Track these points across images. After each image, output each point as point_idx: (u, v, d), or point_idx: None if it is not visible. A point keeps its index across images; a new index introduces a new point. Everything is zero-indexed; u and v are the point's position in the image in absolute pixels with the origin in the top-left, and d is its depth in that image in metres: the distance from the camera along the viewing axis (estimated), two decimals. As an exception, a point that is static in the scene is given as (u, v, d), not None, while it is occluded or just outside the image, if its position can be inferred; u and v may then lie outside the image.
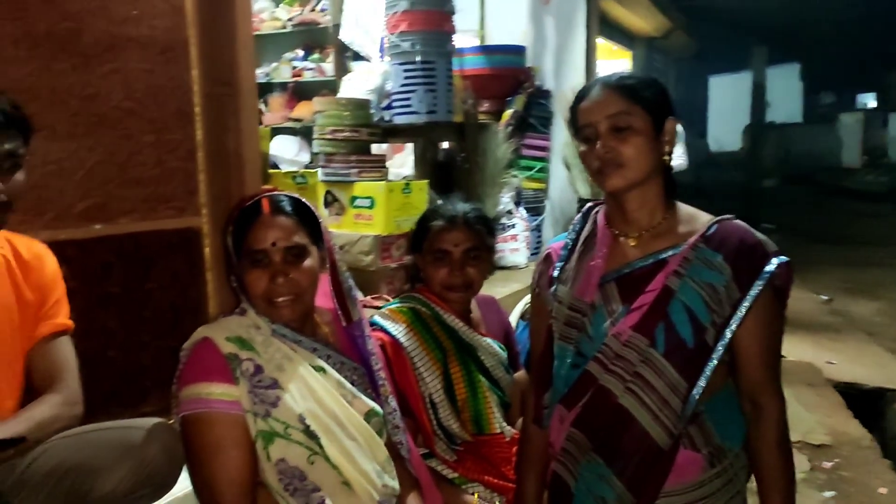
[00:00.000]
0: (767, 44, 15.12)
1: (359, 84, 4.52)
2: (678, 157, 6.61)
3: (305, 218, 1.61)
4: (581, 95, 1.58)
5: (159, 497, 1.68)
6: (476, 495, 1.92)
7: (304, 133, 5.48)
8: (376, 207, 3.66)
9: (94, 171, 2.15)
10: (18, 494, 1.52)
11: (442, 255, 2.02)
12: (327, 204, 3.85)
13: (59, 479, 1.54)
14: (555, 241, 1.72)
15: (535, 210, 5.01)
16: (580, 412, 1.56)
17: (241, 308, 1.61)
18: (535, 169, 5.03)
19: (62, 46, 2.08)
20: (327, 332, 1.72)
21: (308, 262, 1.58)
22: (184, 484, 1.56)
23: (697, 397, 1.46)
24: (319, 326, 1.71)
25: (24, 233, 1.78)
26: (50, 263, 1.77)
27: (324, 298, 1.73)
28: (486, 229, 2.07)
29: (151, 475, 1.59)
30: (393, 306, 2.07)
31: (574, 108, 1.59)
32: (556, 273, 1.65)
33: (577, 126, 1.58)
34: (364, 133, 3.90)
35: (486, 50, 5.06)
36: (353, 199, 3.74)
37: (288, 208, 1.59)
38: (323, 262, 1.65)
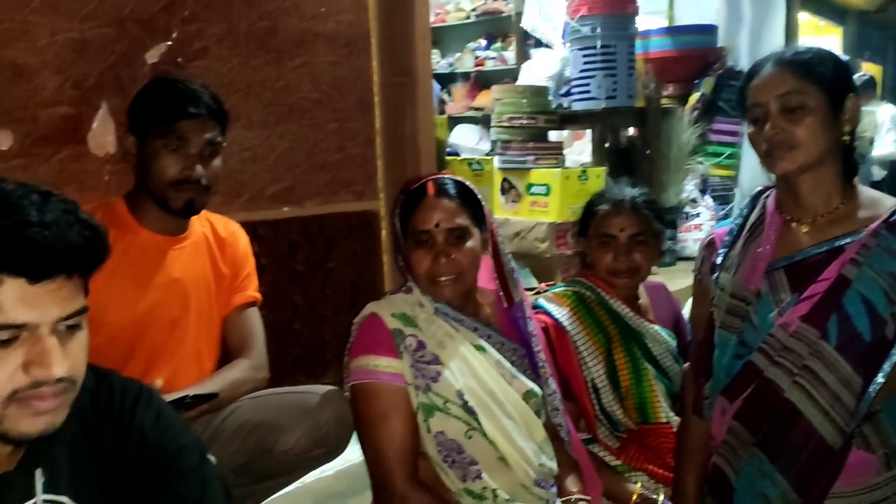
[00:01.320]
0: None
1: (538, 71, 4.54)
2: (890, 144, 6.05)
3: (468, 200, 1.65)
4: (751, 73, 1.51)
5: (332, 458, 1.82)
6: (639, 484, 1.89)
7: (485, 122, 5.57)
8: (552, 194, 3.66)
9: (284, 157, 2.35)
10: (213, 445, 1.70)
11: (607, 239, 1.99)
12: (504, 191, 3.90)
13: (246, 435, 1.72)
14: (719, 227, 1.66)
15: (722, 198, 4.77)
16: (743, 405, 1.50)
17: (407, 286, 1.69)
18: (724, 155, 4.79)
19: (259, 43, 2.28)
20: (489, 312, 1.75)
21: (470, 244, 1.62)
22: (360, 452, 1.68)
23: (874, 395, 1.35)
24: (482, 307, 1.75)
25: (223, 214, 1.98)
26: (243, 241, 1.96)
27: (487, 280, 1.77)
28: (653, 214, 2.01)
29: (324, 437, 1.73)
30: (558, 290, 2.08)
31: (743, 87, 1.52)
32: (718, 260, 1.59)
33: (746, 106, 1.51)
34: (541, 120, 3.91)
35: (671, 31, 4.88)
36: (530, 186, 3.77)
37: (451, 191, 1.64)
38: (485, 244, 1.69)
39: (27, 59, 1.84)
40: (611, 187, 2.10)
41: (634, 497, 1.84)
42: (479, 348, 1.64)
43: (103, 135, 1.97)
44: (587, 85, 4.06)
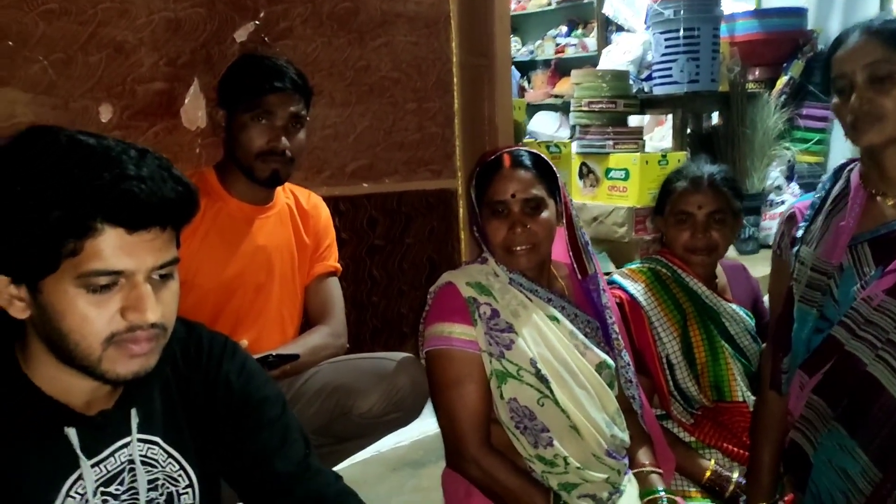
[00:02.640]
0: None
1: (618, 56, 4.49)
2: None
3: (543, 172, 1.66)
4: (837, 43, 1.46)
5: (407, 423, 1.87)
6: (713, 461, 1.87)
7: (565, 109, 5.55)
8: (630, 179, 3.62)
9: (364, 135, 2.41)
10: (294, 407, 1.77)
11: (685, 217, 1.97)
12: (582, 176, 3.88)
13: (326, 397, 1.78)
14: (800, 201, 1.62)
15: (810, 186, 4.61)
16: (822, 379, 1.47)
17: (482, 257, 1.72)
18: (813, 141, 4.63)
19: (341, 24, 2.35)
20: (563, 284, 1.76)
21: (545, 214, 1.64)
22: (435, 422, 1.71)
23: (960, 369, 1.30)
24: (556, 279, 1.76)
25: (306, 188, 2.05)
26: (324, 213, 2.02)
27: (561, 253, 1.79)
28: (732, 192, 1.98)
29: (400, 401, 1.78)
30: (633, 266, 2.07)
31: (829, 58, 1.48)
32: (799, 233, 1.55)
33: (831, 77, 1.47)
34: (621, 104, 3.87)
35: (759, 14, 4.75)
36: (608, 170, 3.74)
37: (527, 162, 1.65)
38: (559, 216, 1.70)
39: (126, 36, 1.95)
40: (689, 164, 2.08)
41: (708, 473, 1.82)
42: (553, 318, 1.65)
43: (195, 109, 2.07)
44: (669, 69, 4.00)
